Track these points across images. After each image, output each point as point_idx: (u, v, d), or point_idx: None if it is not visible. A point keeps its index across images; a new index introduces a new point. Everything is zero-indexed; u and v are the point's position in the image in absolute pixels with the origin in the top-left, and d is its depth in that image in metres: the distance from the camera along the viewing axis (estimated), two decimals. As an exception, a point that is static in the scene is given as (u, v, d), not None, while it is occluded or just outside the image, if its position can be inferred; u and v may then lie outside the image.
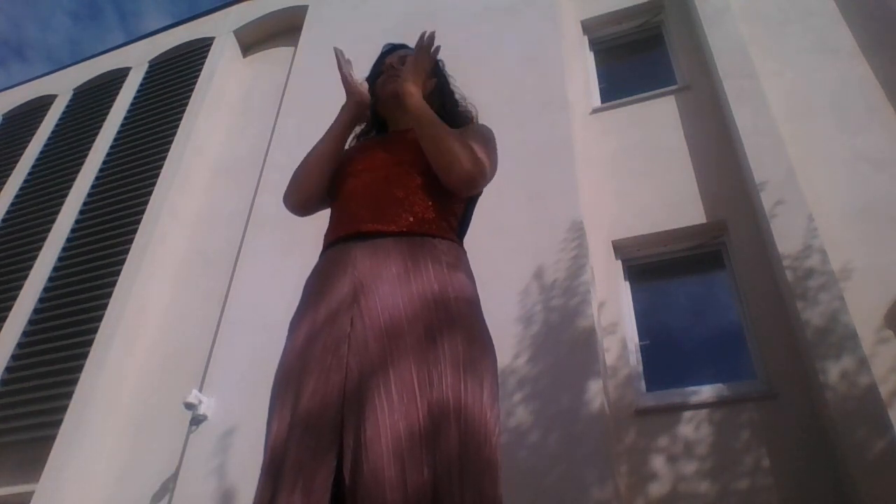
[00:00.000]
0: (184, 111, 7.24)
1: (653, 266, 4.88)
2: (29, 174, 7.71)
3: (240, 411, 4.63)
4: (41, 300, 6.12)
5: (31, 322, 5.97)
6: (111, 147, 7.33)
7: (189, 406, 4.74)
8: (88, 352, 5.39)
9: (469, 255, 1.45)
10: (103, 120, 7.79)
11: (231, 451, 4.53)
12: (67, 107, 8.44)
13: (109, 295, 5.73)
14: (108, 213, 6.61)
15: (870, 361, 3.57)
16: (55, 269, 6.33)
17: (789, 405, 3.79)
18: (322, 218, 1.59)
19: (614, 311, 4.51)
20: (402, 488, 1.02)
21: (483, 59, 5.85)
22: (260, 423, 1.29)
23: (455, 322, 1.21)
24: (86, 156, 7.41)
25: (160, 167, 6.69)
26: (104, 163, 7.18)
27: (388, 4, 7.29)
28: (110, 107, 7.93)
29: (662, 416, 4.01)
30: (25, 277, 6.38)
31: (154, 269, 5.98)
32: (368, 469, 1.04)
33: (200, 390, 4.91)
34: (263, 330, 4.57)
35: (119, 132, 7.47)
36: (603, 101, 5.88)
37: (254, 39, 8.20)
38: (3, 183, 7.77)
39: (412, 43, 1.79)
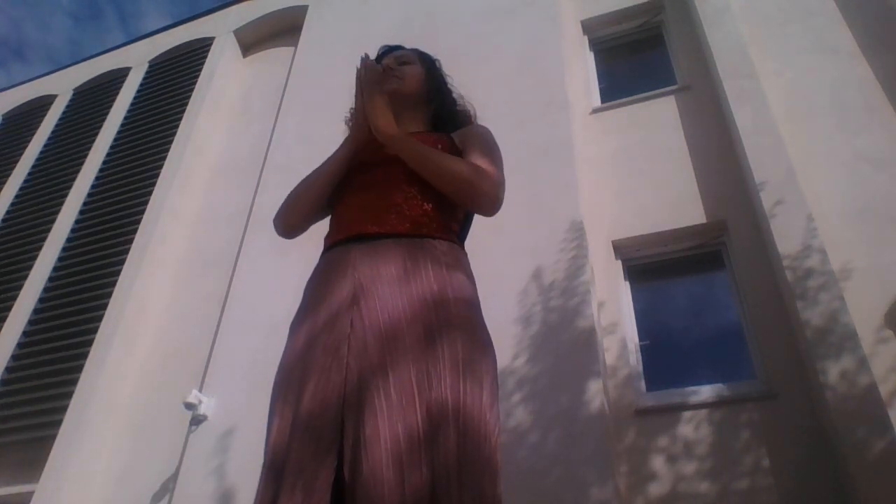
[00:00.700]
0: (184, 111, 7.24)
1: (653, 266, 4.88)
2: (29, 174, 7.72)
3: (240, 411, 4.63)
4: (41, 300, 6.12)
5: (31, 322, 5.98)
6: (111, 147, 7.33)
7: (189, 406, 4.74)
8: (88, 352, 5.39)
9: (469, 255, 1.45)
10: (103, 120, 7.80)
11: (231, 451, 4.53)
12: (67, 107, 8.45)
13: (109, 295, 5.74)
14: (108, 213, 6.61)
15: (870, 361, 3.57)
16: (55, 269, 6.33)
17: (789, 405, 3.79)
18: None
19: (614, 311, 4.51)
20: (399, 488, 1.02)
21: (483, 59, 5.86)
22: (260, 423, 1.29)
23: (454, 323, 1.21)
24: (86, 156, 7.41)
25: (160, 167, 6.70)
26: (104, 163, 7.19)
27: (388, 4, 7.29)
28: (110, 107, 7.93)
29: (662, 416, 4.01)
30: (25, 277, 6.38)
31: (154, 269, 5.99)
32: (367, 469, 1.04)
33: (200, 390, 4.91)
34: (263, 330, 4.58)
35: (119, 132, 7.47)
36: (603, 101, 5.88)
37: (254, 39, 8.21)
38: (3, 183, 7.78)
39: (412, 44, 1.78)
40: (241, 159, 6.84)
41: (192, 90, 7.47)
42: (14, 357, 5.75)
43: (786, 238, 4.10)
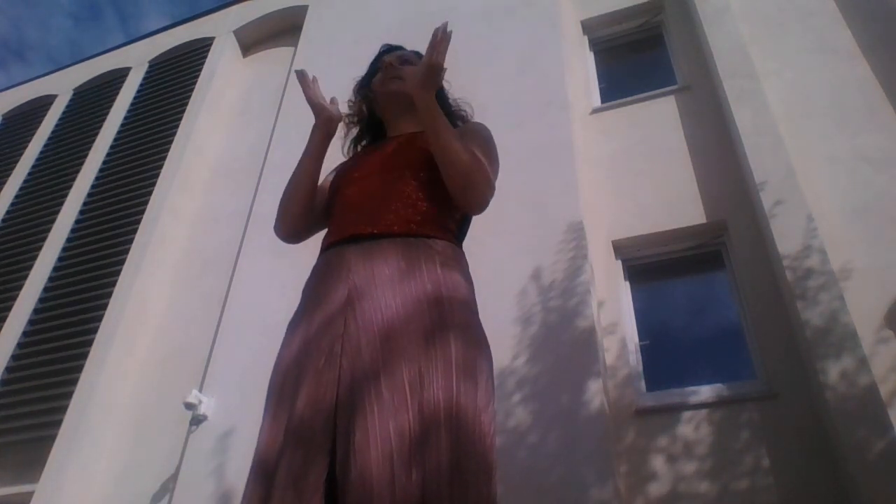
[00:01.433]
0: (184, 111, 7.24)
1: (653, 266, 4.88)
2: (29, 174, 7.72)
3: (240, 411, 4.63)
4: (41, 300, 6.12)
5: (31, 322, 5.98)
6: (111, 147, 7.33)
7: (189, 406, 4.74)
8: (88, 352, 5.39)
9: (469, 255, 1.45)
10: (103, 120, 7.80)
11: (231, 451, 4.53)
12: (67, 107, 8.45)
13: (109, 295, 5.74)
14: (108, 213, 6.61)
15: (870, 361, 3.57)
16: (55, 269, 6.33)
17: (789, 405, 3.79)
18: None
19: (614, 311, 4.51)
20: (390, 488, 1.02)
21: (483, 59, 5.85)
22: (259, 423, 1.29)
23: (448, 322, 1.21)
24: (86, 156, 7.41)
25: (160, 167, 6.70)
26: (104, 163, 7.19)
27: (388, 4, 7.29)
28: (110, 107, 7.93)
29: (662, 416, 4.01)
30: (25, 277, 6.38)
31: (154, 268, 5.98)
32: (357, 471, 1.04)
33: (200, 390, 4.91)
34: (263, 330, 4.56)
35: (119, 132, 7.47)
36: (603, 102, 5.88)
37: (254, 39, 8.21)
38: (3, 183, 7.78)
39: (412, 45, 1.78)
40: (240, 159, 6.84)
41: (191, 90, 7.47)
42: (14, 357, 5.75)
43: (786, 238, 4.10)
